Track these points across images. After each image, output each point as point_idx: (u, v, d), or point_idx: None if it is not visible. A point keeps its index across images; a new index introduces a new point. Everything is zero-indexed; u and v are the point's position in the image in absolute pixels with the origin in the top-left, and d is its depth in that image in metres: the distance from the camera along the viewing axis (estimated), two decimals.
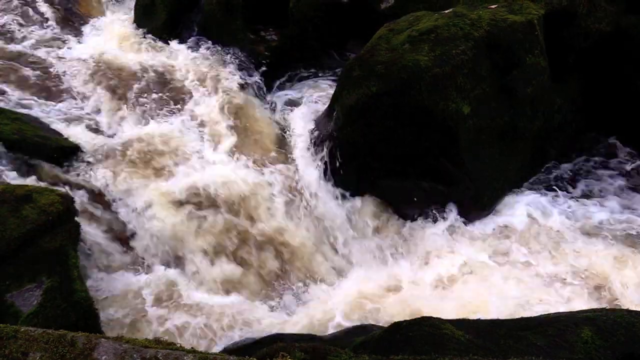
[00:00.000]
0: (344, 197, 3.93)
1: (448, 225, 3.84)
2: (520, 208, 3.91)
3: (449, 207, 3.90)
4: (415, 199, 3.93)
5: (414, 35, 3.78)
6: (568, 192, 4.04)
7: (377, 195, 3.95)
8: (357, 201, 3.91)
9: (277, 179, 3.90)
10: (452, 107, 3.59)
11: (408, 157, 3.82)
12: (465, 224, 3.87)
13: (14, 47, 4.88)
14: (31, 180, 3.38)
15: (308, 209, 3.82)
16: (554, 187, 4.07)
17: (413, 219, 3.92)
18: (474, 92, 3.67)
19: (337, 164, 3.95)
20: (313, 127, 4.21)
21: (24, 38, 5.02)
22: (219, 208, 3.60)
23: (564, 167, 4.23)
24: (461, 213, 3.89)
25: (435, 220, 3.87)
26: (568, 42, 4.09)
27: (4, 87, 4.37)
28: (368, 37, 4.20)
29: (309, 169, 3.98)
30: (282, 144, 4.15)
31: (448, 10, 4.01)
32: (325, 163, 3.99)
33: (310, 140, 4.12)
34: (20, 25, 5.21)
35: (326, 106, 4.22)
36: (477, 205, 3.93)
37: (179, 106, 4.37)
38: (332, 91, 4.32)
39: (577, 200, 3.96)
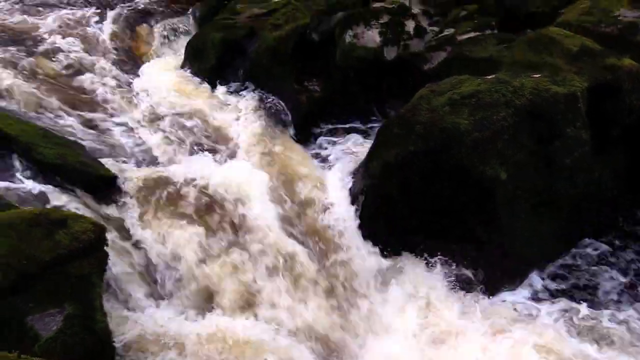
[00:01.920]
0: (375, 251, 3.88)
1: (469, 297, 3.73)
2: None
3: (476, 276, 3.81)
4: (444, 261, 3.87)
5: (455, 98, 3.81)
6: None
7: (407, 251, 3.91)
8: (388, 258, 3.87)
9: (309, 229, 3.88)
10: (490, 172, 3.57)
11: (441, 218, 3.79)
12: (488, 296, 3.76)
13: (68, 75, 5.11)
14: (67, 206, 3.45)
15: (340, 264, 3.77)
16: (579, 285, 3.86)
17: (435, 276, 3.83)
18: (513, 158, 3.65)
19: (371, 218, 3.94)
20: (349, 180, 4.21)
21: (80, 67, 5.24)
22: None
23: (598, 249, 4.06)
24: (487, 283, 3.79)
25: (458, 288, 3.78)
26: (612, 116, 4.06)
27: (54, 111, 4.53)
28: (409, 96, 4.26)
29: (344, 222, 3.95)
30: (318, 195, 4.13)
31: (491, 76, 4.05)
32: (360, 216, 3.97)
33: (346, 194, 4.11)
34: (79, 54, 5.45)
35: (363, 160, 4.24)
36: (504, 277, 3.84)
37: (217, 148, 4.44)
38: (369, 145, 4.36)
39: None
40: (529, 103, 3.74)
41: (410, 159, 3.77)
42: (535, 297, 3.79)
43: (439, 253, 3.85)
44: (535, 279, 3.91)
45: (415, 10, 5.65)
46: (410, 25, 5.35)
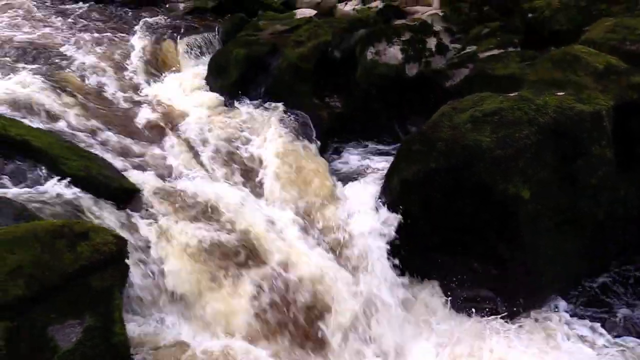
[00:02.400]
0: (396, 269, 3.86)
1: (490, 319, 3.68)
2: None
3: (498, 297, 3.74)
4: (465, 280, 3.82)
5: (477, 115, 3.78)
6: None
7: (427, 269, 3.89)
8: (409, 276, 3.85)
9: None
10: (512, 190, 3.53)
11: (463, 236, 3.75)
12: (510, 317, 3.70)
13: (93, 89, 5.22)
14: (89, 217, 3.49)
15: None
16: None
17: (457, 302, 3.80)
18: (536, 177, 3.60)
19: (392, 236, 3.91)
20: (370, 197, 4.19)
21: (106, 82, 5.35)
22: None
23: (623, 272, 3.97)
24: (509, 304, 3.74)
25: (478, 309, 3.73)
26: (637, 135, 4.00)
27: (80, 125, 4.61)
28: (430, 113, 4.25)
29: (365, 240, 3.92)
30: (339, 213, 4.11)
31: (513, 94, 4.02)
32: (380, 234, 3.95)
33: (367, 211, 4.09)
34: (105, 69, 5.56)
35: (384, 176, 4.22)
36: (528, 298, 3.77)
37: (237, 164, 4.46)
38: (390, 162, 4.34)
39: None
40: (552, 121, 3.69)
41: (431, 176, 3.74)
42: (559, 319, 3.71)
43: (459, 271, 3.80)
44: (559, 301, 3.84)
45: (437, 27, 5.66)
46: (432, 43, 5.36)
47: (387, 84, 4.94)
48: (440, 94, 4.81)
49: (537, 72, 4.34)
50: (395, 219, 3.93)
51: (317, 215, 4.10)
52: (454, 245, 3.83)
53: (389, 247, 3.90)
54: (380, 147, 4.93)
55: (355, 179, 4.47)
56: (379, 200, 4.14)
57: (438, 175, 3.73)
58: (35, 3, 7.64)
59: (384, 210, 4.03)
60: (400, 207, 3.92)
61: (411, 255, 3.90)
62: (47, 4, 7.59)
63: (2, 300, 2.44)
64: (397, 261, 3.87)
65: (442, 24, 5.76)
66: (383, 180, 4.25)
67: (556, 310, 3.80)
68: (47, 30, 6.40)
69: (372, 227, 4.00)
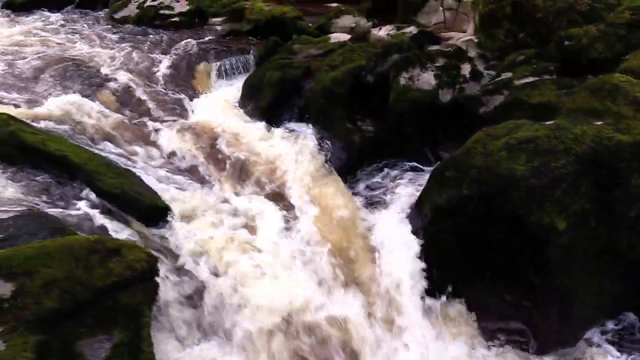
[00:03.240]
0: (425, 296, 3.80)
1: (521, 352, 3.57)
2: None
3: (529, 328, 3.64)
4: (495, 310, 3.73)
5: (512, 143, 3.73)
6: None
7: (457, 297, 3.81)
8: (439, 303, 3.77)
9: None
10: (547, 221, 3.45)
11: (494, 265, 3.68)
12: (542, 351, 3.58)
13: (129, 107, 5.34)
14: (122, 234, 3.54)
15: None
16: None
17: (487, 331, 3.70)
18: (572, 207, 3.51)
19: (422, 262, 3.87)
20: (401, 222, 4.16)
21: (141, 100, 5.48)
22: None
23: None
24: (540, 337, 3.62)
25: (509, 341, 3.63)
26: None
27: (116, 142, 4.71)
28: (463, 139, 4.21)
29: (393, 266, 3.88)
30: (366, 239, 4.09)
31: (550, 122, 3.95)
32: (409, 260, 3.90)
33: (397, 236, 4.05)
34: (140, 88, 5.70)
35: (415, 202, 4.19)
36: (560, 332, 3.65)
37: (267, 186, 4.50)
38: (422, 187, 4.31)
39: None
40: (590, 151, 3.61)
41: (464, 203, 3.69)
42: (593, 356, 3.58)
43: (490, 301, 3.72)
44: (594, 335, 3.70)
45: (472, 53, 5.64)
46: (466, 69, 5.33)
47: (420, 110, 4.91)
48: (474, 121, 4.75)
49: (574, 100, 4.27)
50: (425, 244, 3.88)
51: (345, 241, 4.07)
52: (485, 273, 3.75)
53: (418, 274, 3.84)
54: (412, 172, 4.87)
55: (386, 204, 4.44)
56: (410, 225, 4.10)
57: (470, 202, 3.68)
58: (80, 25, 7.92)
59: (414, 237, 3.99)
60: (431, 233, 3.87)
61: (441, 282, 3.83)
62: (91, 26, 7.86)
63: (36, 314, 2.48)
64: (426, 288, 3.81)
65: (476, 51, 5.73)
66: (414, 206, 4.20)
67: (590, 345, 3.66)
68: (90, 50, 6.61)
69: (401, 253, 3.96)
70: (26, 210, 3.39)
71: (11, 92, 5.29)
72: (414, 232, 4.04)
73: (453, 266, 3.82)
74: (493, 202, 3.60)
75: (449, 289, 3.82)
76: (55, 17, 8.52)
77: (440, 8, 7.08)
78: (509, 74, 5.20)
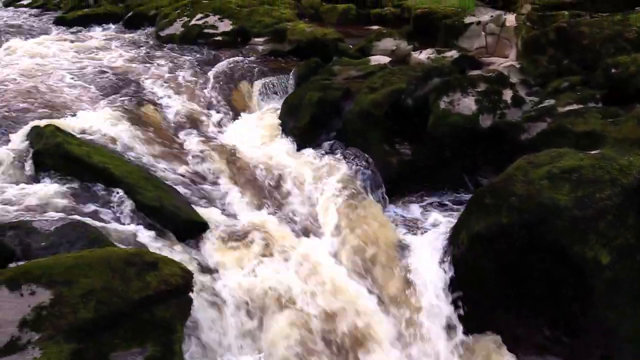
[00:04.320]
0: (460, 324, 3.71)
1: None
2: None
3: None
4: (532, 342, 3.61)
5: (554, 172, 3.64)
6: None
7: (493, 327, 3.70)
8: (472, 335, 3.67)
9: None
10: (590, 254, 3.33)
11: (532, 296, 3.55)
12: None
13: (170, 123, 5.45)
14: (158, 247, 3.58)
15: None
16: None
17: None
18: (617, 241, 3.38)
19: (457, 291, 3.79)
20: (436, 248, 4.09)
21: (182, 117, 5.59)
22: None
23: None
24: None
25: None
26: None
27: (156, 157, 4.80)
28: (503, 166, 4.13)
29: (427, 293, 3.82)
30: (401, 265, 4.03)
31: (595, 152, 3.84)
32: (444, 288, 3.83)
33: (434, 263, 3.99)
34: (182, 104, 5.81)
35: (452, 228, 4.12)
36: None
37: (303, 207, 4.50)
38: (458, 215, 4.24)
39: None
40: (637, 182, 3.48)
41: (502, 231, 3.60)
42: None
43: (527, 333, 3.60)
44: None
45: (514, 79, 5.57)
46: (507, 95, 5.26)
47: (460, 134, 4.86)
48: (515, 147, 4.67)
49: (620, 130, 4.15)
50: (461, 272, 3.81)
51: (378, 266, 4.03)
52: (523, 305, 3.63)
53: (453, 301, 3.76)
54: (449, 197, 4.83)
55: (421, 229, 4.39)
56: (446, 252, 4.03)
57: (510, 231, 3.58)
58: (126, 41, 8.18)
59: (450, 263, 3.91)
60: (468, 261, 3.79)
61: (477, 312, 3.73)
62: (137, 42, 8.11)
63: (72, 323, 2.52)
64: (461, 316, 3.73)
65: (518, 76, 5.67)
66: (450, 232, 4.13)
67: None
68: (135, 66, 6.81)
69: (436, 280, 3.89)
70: (68, 219, 3.47)
71: (58, 104, 5.47)
72: (450, 258, 3.96)
73: (489, 296, 3.72)
74: (534, 231, 3.49)
75: (484, 319, 3.73)
76: (103, 33, 8.85)
77: (483, 33, 7.05)
78: (552, 101, 5.11)
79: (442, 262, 4.00)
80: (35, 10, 11.30)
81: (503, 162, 4.43)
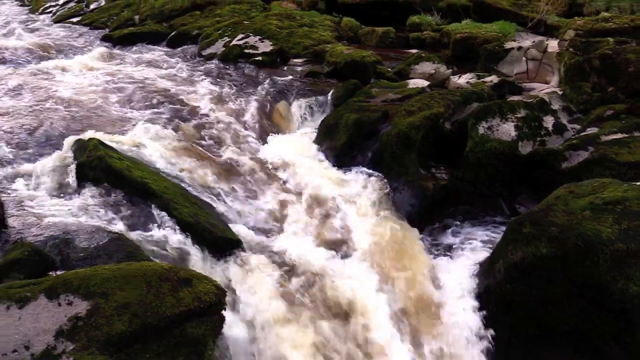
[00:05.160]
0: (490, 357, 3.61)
1: None
2: None
3: None
4: None
5: (597, 203, 3.53)
6: None
7: None
8: None
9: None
10: (634, 290, 3.19)
11: (570, 332, 3.43)
12: None
13: (210, 141, 5.53)
14: (192, 263, 3.61)
15: None
16: None
17: None
18: None
19: (490, 322, 3.69)
20: (470, 277, 4.01)
21: (221, 135, 5.67)
22: None
23: None
24: None
25: None
26: None
27: (193, 174, 4.86)
28: (541, 194, 4.05)
29: (458, 322, 3.74)
30: (436, 290, 3.97)
31: None
32: (477, 318, 3.73)
33: (467, 291, 3.91)
34: (222, 124, 5.89)
35: (488, 256, 4.03)
36: None
37: (335, 227, 4.48)
38: (494, 243, 4.16)
39: None
40: None
41: (540, 262, 3.50)
42: None
43: None
44: None
45: (555, 106, 5.47)
46: (548, 121, 5.17)
47: (498, 160, 4.78)
48: (555, 176, 4.57)
49: None
50: (496, 303, 3.71)
51: (408, 292, 3.97)
52: (559, 341, 3.51)
53: (486, 334, 3.67)
54: (485, 223, 4.71)
55: (455, 256, 4.30)
56: (480, 281, 3.94)
57: (547, 263, 3.48)
58: (169, 59, 8.40)
59: (484, 293, 3.82)
60: (503, 291, 3.69)
61: (511, 346, 3.63)
62: (180, 60, 8.31)
63: (107, 335, 2.55)
64: (494, 349, 3.63)
65: (560, 103, 5.57)
66: (486, 260, 4.04)
67: None
68: (177, 83, 6.97)
69: (469, 309, 3.80)
70: (106, 231, 3.54)
71: (102, 118, 5.62)
72: (485, 287, 3.87)
73: (523, 329, 3.61)
74: (574, 264, 3.39)
75: (518, 353, 3.61)
76: (148, 50, 9.10)
77: (524, 58, 6.98)
78: (595, 129, 5.00)
79: (475, 290, 3.91)
80: (83, 27, 11.72)
81: (542, 190, 4.36)
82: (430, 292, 3.99)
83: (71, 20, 12.52)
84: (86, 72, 7.26)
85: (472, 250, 4.27)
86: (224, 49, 8.24)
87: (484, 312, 3.75)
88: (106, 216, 3.84)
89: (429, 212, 4.67)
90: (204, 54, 8.43)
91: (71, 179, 4.24)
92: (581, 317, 3.40)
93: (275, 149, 5.58)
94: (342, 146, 5.33)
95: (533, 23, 8.83)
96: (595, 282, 3.31)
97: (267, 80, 6.97)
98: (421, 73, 6.98)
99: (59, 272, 3.07)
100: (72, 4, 14.16)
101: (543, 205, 3.79)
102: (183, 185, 4.54)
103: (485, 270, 3.95)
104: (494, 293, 3.75)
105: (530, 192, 4.80)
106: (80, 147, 4.44)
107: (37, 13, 14.25)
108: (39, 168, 4.30)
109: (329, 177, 5.03)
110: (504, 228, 4.36)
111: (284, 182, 4.95)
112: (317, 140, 5.68)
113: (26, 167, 4.36)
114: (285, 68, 7.63)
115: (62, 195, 4.10)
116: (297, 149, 5.58)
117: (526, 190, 4.84)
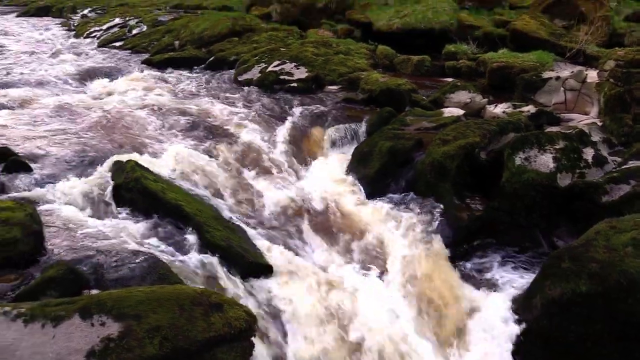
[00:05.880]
0: None
1: None
2: None
3: None
4: None
5: None
6: None
7: None
8: None
9: None
10: None
11: None
12: None
13: (244, 164, 5.58)
14: (223, 288, 3.61)
15: None
16: None
17: None
18: None
19: (527, 356, 3.57)
20: (506, 311, 3.89)
21: (256, 158, 5.72)
22: None
23: None
24: None
25: None
26: None
27: (227, 197, 4.90)
28: (580, 227, 3.94)
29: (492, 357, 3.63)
30: (467, 325, 3.87)
31: None
32: (513, 353, 3.62)
33: (503, 326, 3.79)
34: (255, 146, 5.96)
35: (524, 291, 3.91)
36: None
37: (368, 257, 4.43)
38: (530, 276, 4.04)
39: None
40: None
41: (580, 299, 3.39)
42: None
43: None
44: None
45: (595, 137, 5.34)
46: (588, 153, 5.04)
47: (535, 192, 4.67)
48: (595, 209, 4.44)
49: None
50: (533, 338, 3.59)
51: (444, 323, 3.88)
52: None
53: None
54: (521, 255, 4.59)
55: (490, 287, 4.19)
56: (516, 316, 3.82)
57: (587, 300, 3.37)
58: (206, 83, 8.57)
59: (519, 328, 3.71)
60: (540, 327, 3.57)
61: None
62: (216, 85, 8.47)
63: (138, 357, 2.55)
64: None
65: (600, 135, 5.43)
66: (522, 295, 3.93)
67: None
68: (213, 107, 7.09)
69: (505, 343, 3.69)
70: (140, 252, 3.58)
71: (139, 140, 5.74)
72: (521, 322, 3.75)
73: None
74: (615, 301, 3.27)
75: None
76: (186, 75, 9.31)
77: (562, 88, 6.87)
78: (637, 162, 4.85)
79: (510, 325, 3.79)
80: (125, 51, 12.10)
81: (581, 223, 4.24)
82: (465, 325, 3.89)
83: (114, 44, 12.95)
84: (126, 94, 7.46)
85: (507, 283, 4.16)
86: (260, 74, 8.37)
87: (521, 348, 3.62)
88: (140, 237, 3.89)
89: (463, 242, 4.57)
90: (240, 79, 8.57)
91: (108, 200, 4.33)
92: (623, 355, 3.28)
93: (307, 174, 5.60)
94: (375, 173, 5.30)
95: (572, 53, 8.73)
96: (638, 319, 3.19)
97: (302, 106, 7.03)
98: (456, 102, 6.93)
99: (93, 291, 3.11)
100: (115, 29, 14.67)
101: (582, 240, 3.68)
102: (216, 207, 4.57)
103: (521, 304, 3.84)
104: (531, 328, 3.64)
105: (568, 224, 4.66)
106: (118, 168, 4.53)
107: (82, 37, 14.79)
108: (78, 188, 4.40)
109: (362, 204, 5.01)
110: (540, 260, 4.28)
111: (316, 207, 4.94)
112: (351, 167, 5.67)
113: (65, 186, 4.46)
114: (320, 95, 7.68)
115: (98, 215, 4.18)
116: (330, 174, 5.58)
117: (564, 223, 4.71)
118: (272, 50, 9.41)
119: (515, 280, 4.19)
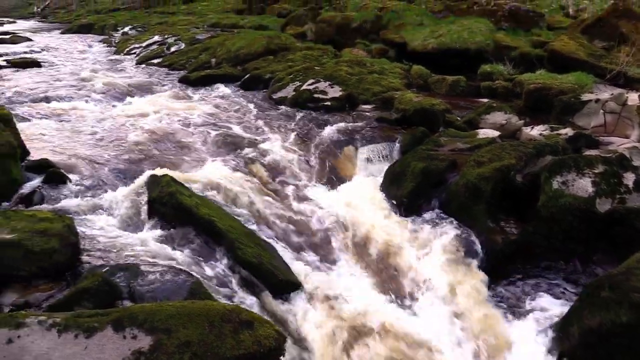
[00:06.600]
0: None
1: None
2: None
3: None
4: None
5: None
6: None
7: None
8: None
9: None
10: None
11: None
12: None
13: (276, 181, 5.61)
14: (253, 305, 3.61)
15: None
16: None
17: None
18: None
19: None
20: (540, 340, 3.78)
21: (287, 177, 5.74)
22: None
23: None
24: None
25: None
26: None
27: (259, 214, 4.92)
28: (621, 255, 3.80)
29: None
30: (502, 350, 3.76)
31: None
32: None
33: (536, 354, 3.69)
34: (287, 164, 5.98)
35: (561, 319, 3.79)
36: None
37: (400, 280, 4.37)
38: (567, 303, 3.92)
39: None
40: None
41: (620, 330, 3.26)
42: None
43: None
44: None
45: (636, 162, 5.18)
46: (629, 178, 4.89)
47: (573, 217, 4.55)
48: (636, 235, 4.30)
49: None
50: None
51: (479, 346, 3.78)
52: None
53: None
54: (558, 282, 4.46)
55: (525, 317, 4.08)
56: (552, 343, 3.71)
57: (628, 331, 3.24)
58: (241, 101, 8.68)
59: (556, 356, 3.59)
60: (578, 357, 3.46)
61: None
62: (251, 103, 8.57)
63: None
64: None
65: None
66: (558, 324, 3.80)
67: None
68: (247, 125, 7.18)
69: None
70: (172, 267, 3.61)
71: (174, 155, 5.84)
72: (557, 351, 3.63)
73: None
74: None
75: None
76: (221, 92, 9.46)
77: (601, 111, 6.72)
78: None
79: (548, 353, 3.68)
80: (163, 68, 12.39)
81: (621, 249, 4.11)
82: (500, 351, 3.79)
83: (152, 61, 13.27)
84: (163, 111, 7.61)
85: (543, 310, 4.04)
86: (294, 93, 8.44)
87: None
88: (173, 252, 3.93)
89: (497, 266, 4.47)
90: (274, 97, 8.66)
91: (143, 213, 4.39)
92: None
93: (340, 193, 5.58)
94: (408, 194, 5.25)
95: (612, 75, 8.54)
96: None
97: (335, 125, 7.04)
98: (492, 123, 6.83)
99: (125, 303, 3.14)
100: (154, 47, 15.06)
101: (623, 268, 3.56)
102: (248, 225, 4.59)
103: (558, 332, 3.73)
104: (568, 358, 3.51)
105: (608, 250, 4.52)
106: (153, 183, 4.60)
107: (122, 54, 15.24)
108: (113, 201, 4.49)
109: (395, 224, 4.96)
110: (577, 287, 4.15)
111: (348, 227, 4.91)
112: (383, 187, 5.63)
113: (101, 199, 4.56)
114: (354, 114, 7.68)
115: (133, 228, 4.24)
116: (362, 194, 5.55)
117: (603, 248, 4.57)
118: (306, 69, 9.49)
119: (551, 307, 4.07)
